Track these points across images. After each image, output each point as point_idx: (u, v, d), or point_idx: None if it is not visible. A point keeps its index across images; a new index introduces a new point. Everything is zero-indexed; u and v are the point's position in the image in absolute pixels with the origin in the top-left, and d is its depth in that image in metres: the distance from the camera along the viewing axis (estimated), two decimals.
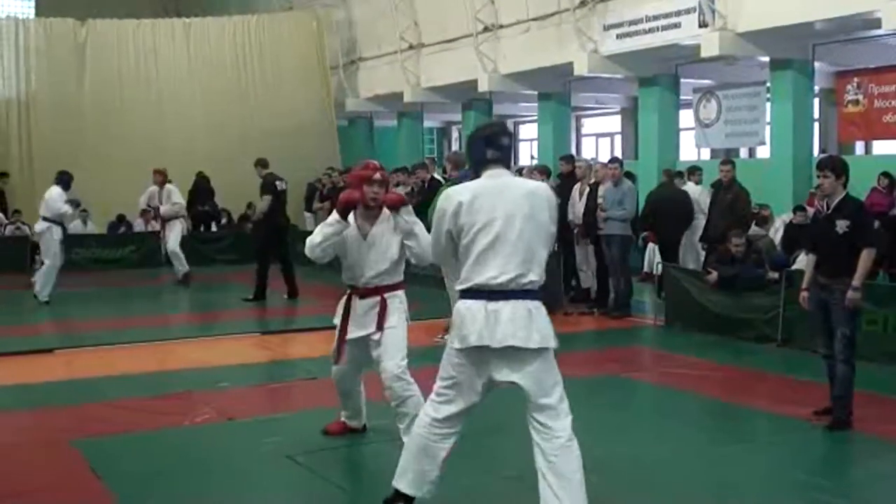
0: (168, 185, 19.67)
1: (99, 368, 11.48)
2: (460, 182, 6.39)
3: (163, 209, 19.56)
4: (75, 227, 22.95)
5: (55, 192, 17.16)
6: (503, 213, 5.72)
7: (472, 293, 5.79)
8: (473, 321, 5.73)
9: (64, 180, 17.49)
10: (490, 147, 5.93)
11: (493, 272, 5.71)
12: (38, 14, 34.14)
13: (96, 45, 26.87)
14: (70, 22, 26.91)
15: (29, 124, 26.14)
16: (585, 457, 5.80)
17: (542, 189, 6.04)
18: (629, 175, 15.87)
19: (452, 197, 5.83)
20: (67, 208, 17.41)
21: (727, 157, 18.18)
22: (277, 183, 17.02)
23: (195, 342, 13.28)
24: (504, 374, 5.94)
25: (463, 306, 5.81)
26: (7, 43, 26.46)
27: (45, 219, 17.14)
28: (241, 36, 28.39)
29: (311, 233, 7.43)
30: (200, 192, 22.72)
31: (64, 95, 26.39)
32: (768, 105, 20.13)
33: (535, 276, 5.87)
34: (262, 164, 17.38)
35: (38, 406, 9.75)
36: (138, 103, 26.65)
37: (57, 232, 17.13)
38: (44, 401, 9.95)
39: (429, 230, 6.56)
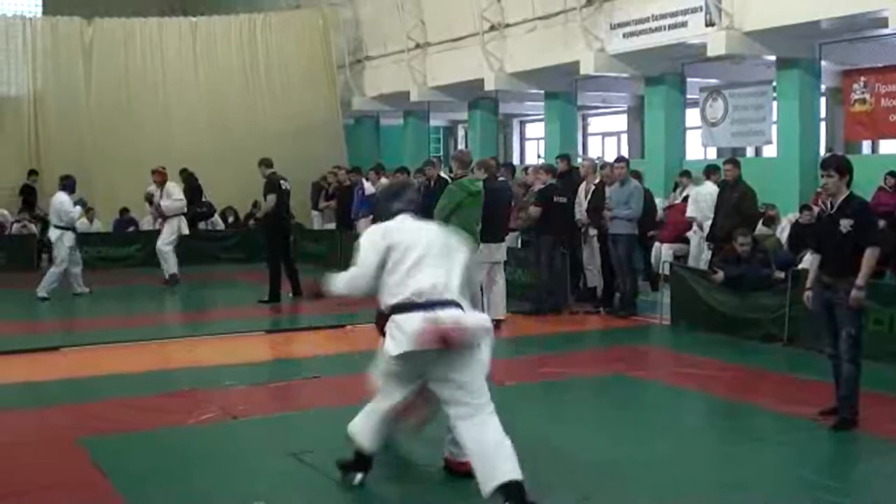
0: (168, 184, 19.65)
1: (104, 366, 11.50)
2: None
3: (164, 203, 19.45)
4: (82, 225, 23.01)
5: (63, 199, 17.22)
6: (425, 239, 6.55)
7: (404, 307, 6.29)
8: (412, 328, 6.18)
9: (69, 185, 17.58)
10: (397, 200, 6.84)
11: (425, 283, 6.33)
12: (45, 13, 34.14)
13: (103, 44, 26.85)
14: (77, 20, 26.91)
15: (36, 123, 26.12)
16: (593, 456, 5.80)
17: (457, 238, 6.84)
18: (636, 174, 15.83)
19: (379, 226, 6.69)
20: (78, 211, 17.58)
21: (732, 157, 18.12)
22: (281, 182, 17.00)
23: (200, 341, 13.29)
24: (441, 373, 6.35)
25: (399, 318, 6.26)
26: (14, 42, 26.47)
27: (56, 227, 17.27)
28: (248, 35, 28.38)
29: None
30: (194, 190, 22.55)
31: (71, 94, 26.39)
32: (775, 104, 20.12)
33: (455, 292, 6.45)
34: (265, 163, 17.32)
35: (43, 404, 9.77)
36: (145, 102, 26.68)
37: (69, 238, 17.25)
38: (49, 399, 9.99)
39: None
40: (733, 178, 14.78)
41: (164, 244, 19.33)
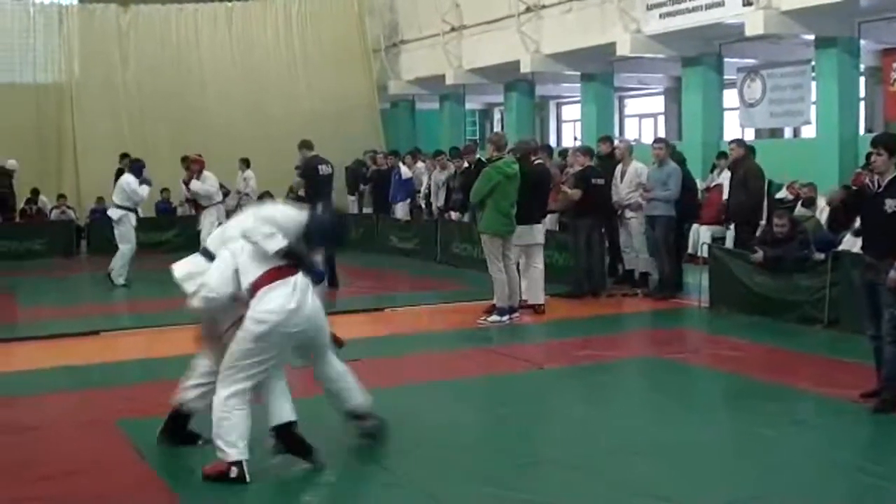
0: (206, 172, 18.96)
1: (143, 350, 11.63)
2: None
3: (193, 185, 19.11)
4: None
5: (130, 180, 17.31)
6: None
7: None
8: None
9: (136, 167, 17.76)
10: None
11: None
12: (81, 0, 34.33)
13: (139, 31, 27.02)
14: (113, 8, 27.07)
15: (72, 110, 26.27)
16: (631, 439, 5.76)
17: None
18: (680, 158, 15.70)
19: None
20: (144, 193, 17.67)
21: (737, 138, 18.04)
22: (320, 167, 16.21)
23: None
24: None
25: None
26: (50, 30, 26.66)
27: (119, 206, 17.32)
28: (284, 20, 28.50)
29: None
30: None
31: (107, 81, 26.57)
32: (813, 84, 19.96)
33: None
34: (306, 145, 16.67)
35: (84, 387, 9.86)
36: (181, 88, 26.81)
37: (132, 218, 17.36)
38: (90, 382, 10.07)
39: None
40: (739, 157, 14.77)
41: (207, 236, 18.75)
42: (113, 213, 17.52)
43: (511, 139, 15.62)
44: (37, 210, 24.21)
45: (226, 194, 23.00)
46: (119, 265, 17.12)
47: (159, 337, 12.40)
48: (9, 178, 23.42)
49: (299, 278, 6.84)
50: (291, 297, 6.73)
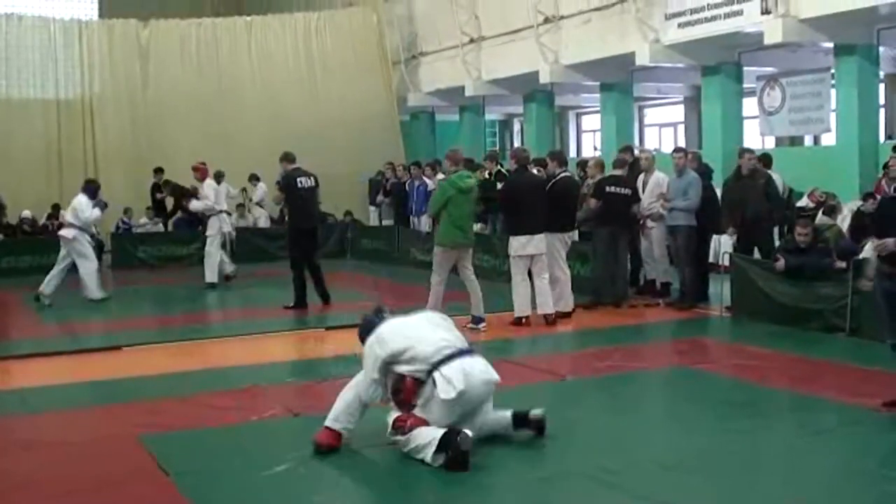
0: (206, 181, 19.00)
1: (165, 365, 11.60)
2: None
3: (192, 205, 19.10)
4: (141, 223, 23.42)
5: (84, 200, 17.12)
6: None
7: None
8: None
9: (90, 189, 17.52)
10: None
11: None
12: (100, 15, 34.50)
13: (159, 46, 27.17)
14: (133, 23, 27.22)
15: (93, 125, 26.41)
16: (655, 449, 5.72)
17: None
18: (703, 168, 15.66)
19: None
20: (96, 214, 17.40)
21: (744, 146, 17.98)
22: (300, 180, 15.76)
23: (260, 338, 13.35)
24: None
25: None
26: (70, 45, 26.79)
27: (72, 226, 17.08)
28: (303, 33, 28.63)
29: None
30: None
31: (127, 96, 26.73)
32: (833, 91, 19.91)
33: None
34: (287, 158, 16.15)
35: (106, 402, 9.90)
36: (201, 102, 26.92)
37: (84, 237, 17.07)
38: (112, 397, 10.10)
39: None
40: (755, 167, 14.74)
41: (209, 245, 18.73)
42: (66, 232, 17.17)
43: (533, 149, 15.65)
44: (58, 225, 24.27)
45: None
46: (89, 285, 16.96)
47: (181, 351, 12.48)
48: None
49: None
50: None
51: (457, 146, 15.38)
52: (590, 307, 14.73)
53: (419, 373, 7.40)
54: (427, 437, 7.18)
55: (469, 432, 7.14)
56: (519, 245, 13.48)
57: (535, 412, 7.78)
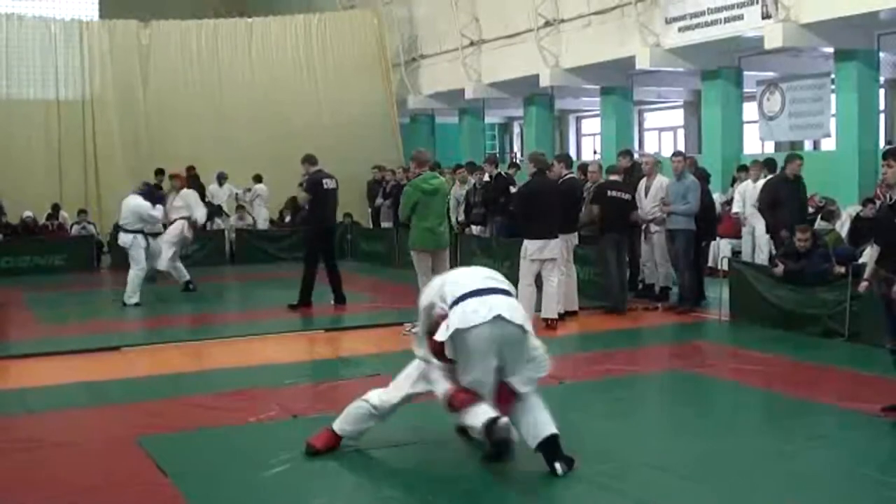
0: (183, 191, 18.70)
1: (163, 366, 11.62)
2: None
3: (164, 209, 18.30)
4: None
5: (140, 201, 17.03)
6: None
7: None
8: None
9: (147, 191, 17.54)
10: None
11: None
12: (101, 16, 34.49)
13: (159, 47, 27.20)
14: (133, 23, 27.23)
15: (94, 126, 26.42)
16: (653, 453, 5.74)
17: None
18: (702, 173, 15.71)
19: None
20: (160, 211, 17.40)
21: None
22: (325, 181, 15.97)
23: (259, 339, 13.35)
24: None
25: None
26: (72, 45, 26.79)
27: (126, 230, 17.03)
28: (304, 35, 28.64)
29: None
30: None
31: (128, 96, 26.74)
32: (833, 96, 19.93)
33: None
34: (309, 160, 16.35)
35: (105, 403, 9.89)
36: (201, 103, 26.96)
37: (142, 240, 17.01)
38: (110, 398, 10.09)
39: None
40: (797, 171, 14.82)
41: (170, 240, 18.21)
42: (122, 239, 17.14)
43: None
44: (58, 225, 24.32)
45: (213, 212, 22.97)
46: (129, 287, 16.73)
47: (179, 352, 12.49)
48: None
49: None
50: None
51: (422, 148, 15.47)
52: (611, 312, 14.71)
53: (445, 309, 7.17)
54: (474, 419, 7.04)
55: (504, 419, 6.92)
56: (535, 249, 13.40)
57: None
